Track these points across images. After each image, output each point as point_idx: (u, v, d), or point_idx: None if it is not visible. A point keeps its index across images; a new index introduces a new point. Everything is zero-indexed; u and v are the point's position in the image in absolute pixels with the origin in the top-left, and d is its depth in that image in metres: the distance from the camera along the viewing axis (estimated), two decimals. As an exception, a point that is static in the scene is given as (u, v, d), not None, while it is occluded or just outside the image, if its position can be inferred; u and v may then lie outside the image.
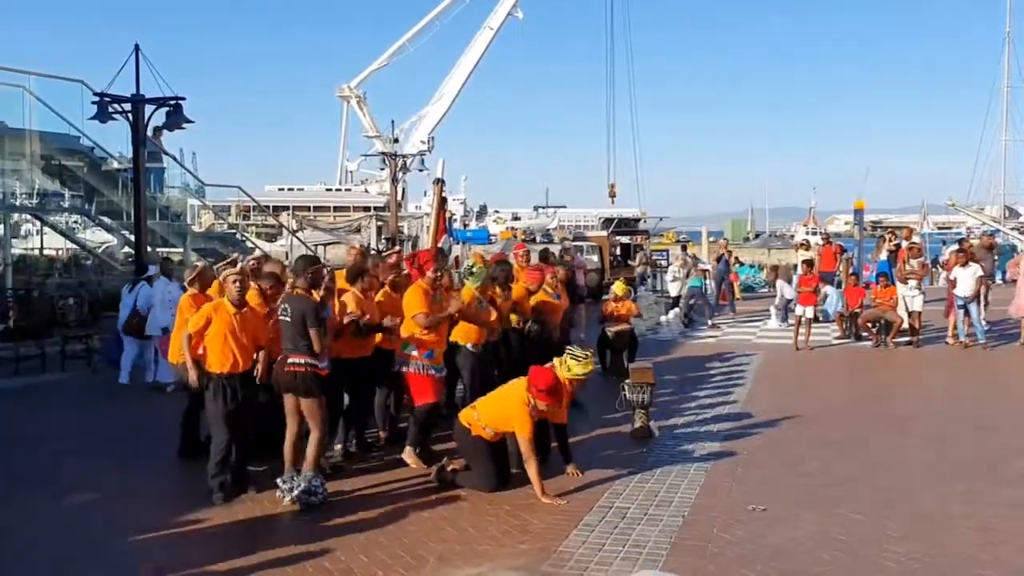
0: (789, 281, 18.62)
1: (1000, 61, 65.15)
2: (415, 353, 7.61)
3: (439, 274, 8.12)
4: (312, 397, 6.61)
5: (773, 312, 18.26)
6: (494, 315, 8.86)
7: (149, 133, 16.34)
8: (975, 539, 5.79)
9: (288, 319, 6.66)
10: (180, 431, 7.93)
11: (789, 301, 17.88)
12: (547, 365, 7.16)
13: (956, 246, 19.07)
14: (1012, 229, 37.96)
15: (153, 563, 5.51)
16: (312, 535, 5.98)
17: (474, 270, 9.05)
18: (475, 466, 7.01)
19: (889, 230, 25.01)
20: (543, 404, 6.82)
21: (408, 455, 7.62)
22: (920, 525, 6.08)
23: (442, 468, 7.13)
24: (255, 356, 6.87)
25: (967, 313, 14.65)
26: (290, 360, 6.61)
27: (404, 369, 7.67)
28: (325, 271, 7.56)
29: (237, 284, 6.71)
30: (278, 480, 6.69)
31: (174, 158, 22.52)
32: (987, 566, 5.33)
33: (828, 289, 17.25)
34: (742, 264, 27.92)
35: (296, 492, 6.47)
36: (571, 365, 7.13)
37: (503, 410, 6.95)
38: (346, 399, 7.97)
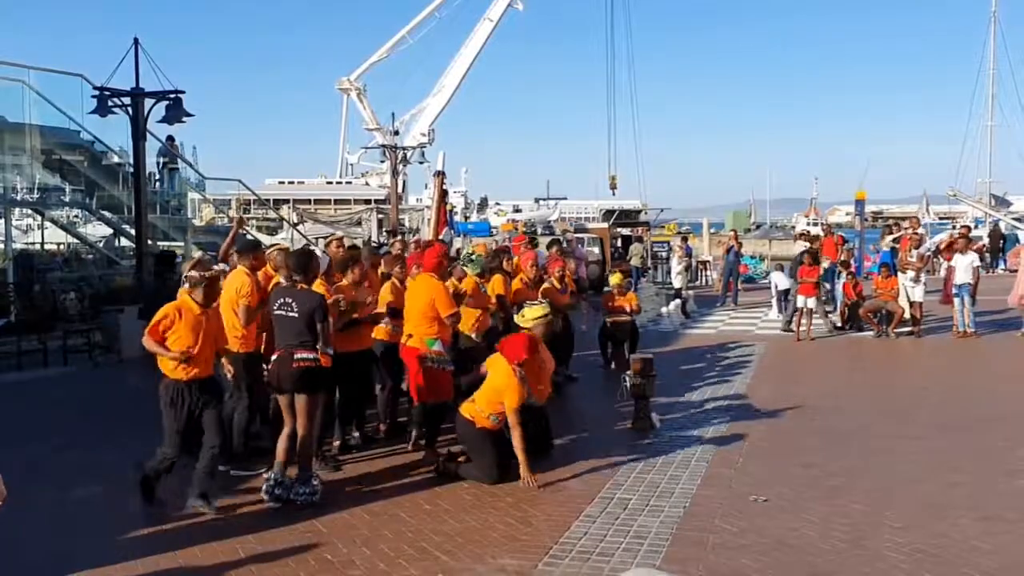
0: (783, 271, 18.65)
1: (986, 43, 63.75)
2: (440, 348, 7.59)
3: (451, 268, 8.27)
4: (314, 393, 6.49)
5: (774, 303, 18.26)
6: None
7: (161, 137, 16.52)
8: (977, 528, 5.79)
9: (295, 314, 6.44)
10: None
11: (785, 292, 17.87)
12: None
13: (946, 235, 19.05)
14: (1014, 219, 37.80)
15: None
16: (314, 528, 5.98)
17: (473, 257, 9.12)
18: (477, 458, 7.01)
19: (893, 221, 24.98)
20: (524, 362, 6.96)
21: (429, 453, 7.61)
22: (922, 514, 6.08)
23: (445, 461, 7.14)
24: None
25: (962, 301, 14.68)
26: (297, 356, 6.40)
27: (431, 365, 7.56)
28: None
29: (204, 287, 6.35)
30: (265, 476, 6.63)
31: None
32: (989, 555, 5.33)
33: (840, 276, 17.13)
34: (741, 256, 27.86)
35: (298, 495, 6.42)
36: (525, 312, 7.53)
37: (493, 385, 7.03)
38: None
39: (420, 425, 7.86)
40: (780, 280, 18.21)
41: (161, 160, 20.97)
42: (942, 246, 19.96)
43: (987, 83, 63.05)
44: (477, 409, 7.07)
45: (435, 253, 7.97)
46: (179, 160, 21.38)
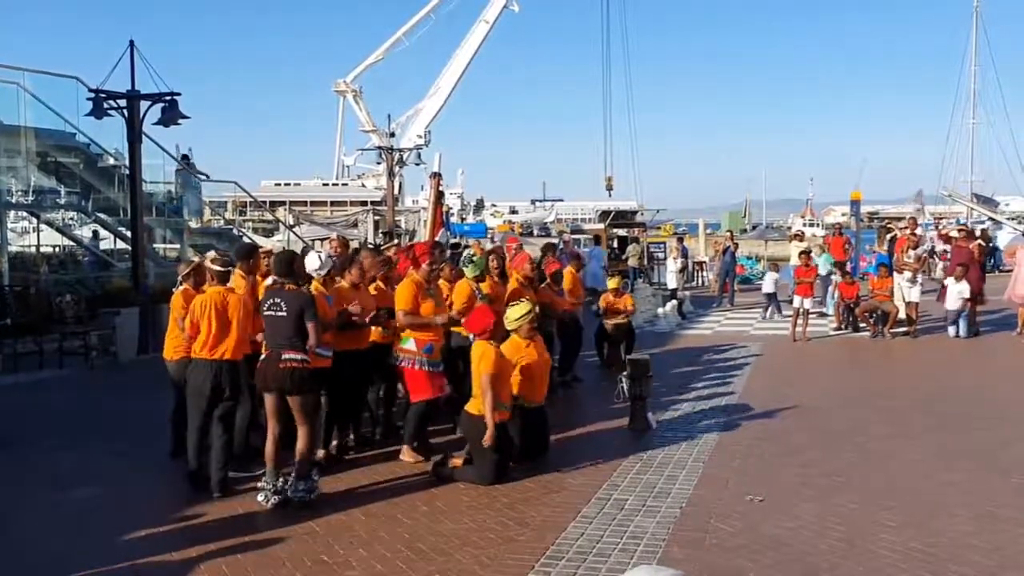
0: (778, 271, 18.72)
1: (968, 39, 63.15)
2: (412, 348, 7.61)
3: (435, 267, 8.16)
4: (305, 394, 6.47)
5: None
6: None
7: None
8: (973, 527, 5.81)
9: (283, 314, 6.44)
10: (171, 430, 7.79)
11: (771, 295, 17.90)
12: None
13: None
14: (1006, 219, 37.83)
15: None
16: (310, 529, 5.98)
17: (474, 259, 9.10)
18: (478, 459, 6.99)
19: (887, 221, 25.03)
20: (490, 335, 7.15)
21: (405, 452, 7.63)
22: (918, 514, 6.09)
23: (440, 463, 7.13)
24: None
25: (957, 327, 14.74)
26: (285, 356, 6.39)
27: (400, 364, 7.68)
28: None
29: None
30: (259, 484, 6.57)
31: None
32: (985, 554, 5.34)
33: (836, 277, 17.15)
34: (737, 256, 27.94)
35: (296, 491, 6.42)
36: (508, 313, 7.65)
37: (474, 367, 7.09)
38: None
39: (409, 423, 7.90)
40: (766, 283, 18.27)
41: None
42: (937, 245, 20.01)
43: (969, 81, 62.60)
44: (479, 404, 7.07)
45: (417, 251, 8.06)
46: (167, 157, 21.61)
